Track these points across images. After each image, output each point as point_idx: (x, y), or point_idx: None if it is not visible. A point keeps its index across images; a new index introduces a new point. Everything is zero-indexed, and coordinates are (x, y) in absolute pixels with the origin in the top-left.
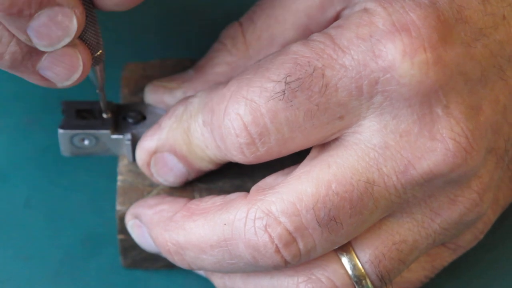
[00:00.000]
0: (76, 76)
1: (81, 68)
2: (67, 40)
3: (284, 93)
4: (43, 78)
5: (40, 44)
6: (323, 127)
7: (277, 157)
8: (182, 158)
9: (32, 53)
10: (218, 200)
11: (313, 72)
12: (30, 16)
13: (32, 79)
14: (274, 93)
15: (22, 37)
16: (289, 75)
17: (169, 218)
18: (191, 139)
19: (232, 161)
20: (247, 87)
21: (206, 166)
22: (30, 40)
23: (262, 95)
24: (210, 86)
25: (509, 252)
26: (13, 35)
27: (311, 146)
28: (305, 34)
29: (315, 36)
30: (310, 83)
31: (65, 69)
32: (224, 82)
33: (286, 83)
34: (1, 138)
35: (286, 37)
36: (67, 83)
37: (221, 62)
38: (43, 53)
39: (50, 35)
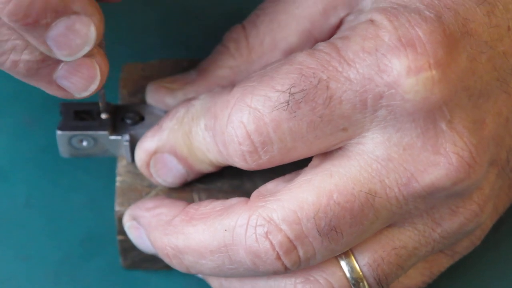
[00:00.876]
0: (94, 86)
1: (98, 78)
2: (87, 48)
3: (288, 104)
4: (60, 88)
5: (60, 54)
6: (326, 138)
7: (279, 164)
8: (182, 159)
9: (48, 62)
10: (217, 205)
11: (317, 84)
12: (47, 26)
13: (50, 89)
14: (278, 103)
15: (42, 48)
16: (293, 86)
17: (167, 222)
18: (192, 142)
19: (233, 166)
20: (251, 95)
21: (206, 168)
22: (51, 50)
23: (266, 104)
24: (213, 90)
25: (507, 254)
26: (27, 42)
27: (313, 155)
28: (308, 40)
29: (321, 46)
30: (314, 95)
31: (82, 79)
32: (227, 87)
33: (290, 93)
34: (1, 138)
35: (288, 42)
36: (85, 93)
37: (223, 65)
38: (59, 62)
39: (69, 45)
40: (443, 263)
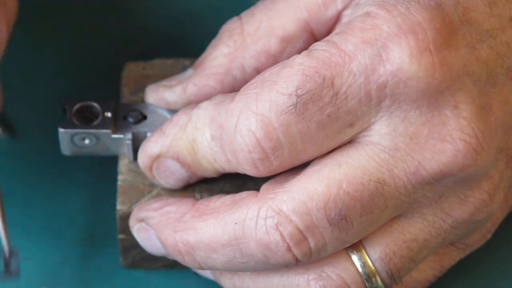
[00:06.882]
0: None
1: None
2: None
3: (296, 106)
4: None
5: None
6: (335, 136)
7: (290, 168)
8: (185, 165)
9: None
10: (227, 199)
11: (323, 82)
12: None
13: None
14: (285, 106)
15: None
16: (299, 88)
17: (177, 219)
18: (197, 151)
19: (243, 173)
20: (256, 102)
21: (209, 174)
22: None
23: (273, 109)
24: (215, 99)
25: None
26: None
27: (322, 154)
28: (304, 30)
29: (318, 46)
30: (321, 94)
31: None
32: (229, 95)
33: (297, 96)
34: (1, 138)
35: (286, 30)
36: None
37: (218, 55)
38: None
39: None
40: (454, 256)
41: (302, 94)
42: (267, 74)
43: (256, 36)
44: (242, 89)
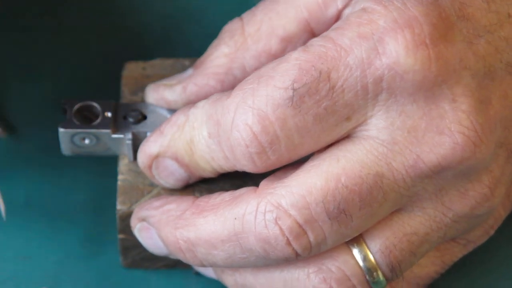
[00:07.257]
0: None
1: None
2: None
3: (292, 100)
4: None
5: None
6: (332, 130)
7: (287, 163)
8: (183, 165)
9: None
10: (227, 195)
11: (319, 76)
12: None
13: None
14: (282, 100)
15: None
16: (295, 82)
17: (178, 216)
18: (195, 150)
19: (241, 170)
20: (253, 96)
21: (208, 175)
22: None
23: (269, 103)
24: (212, 97)
25: None
26: None
27: (320, 149)
28: (305, 29)
29: (314, 41)
30: (317, 87)
31: None
32: (226, 92)
33: (293, 89)
34: (1, 138)
35: (286, 29)
36: None
37: (219, 55)
38: None
39: None
40: (455, 252)
41: (299, 88)
42: (263, 70)
43: (256, 36)
44: (239, 85)
